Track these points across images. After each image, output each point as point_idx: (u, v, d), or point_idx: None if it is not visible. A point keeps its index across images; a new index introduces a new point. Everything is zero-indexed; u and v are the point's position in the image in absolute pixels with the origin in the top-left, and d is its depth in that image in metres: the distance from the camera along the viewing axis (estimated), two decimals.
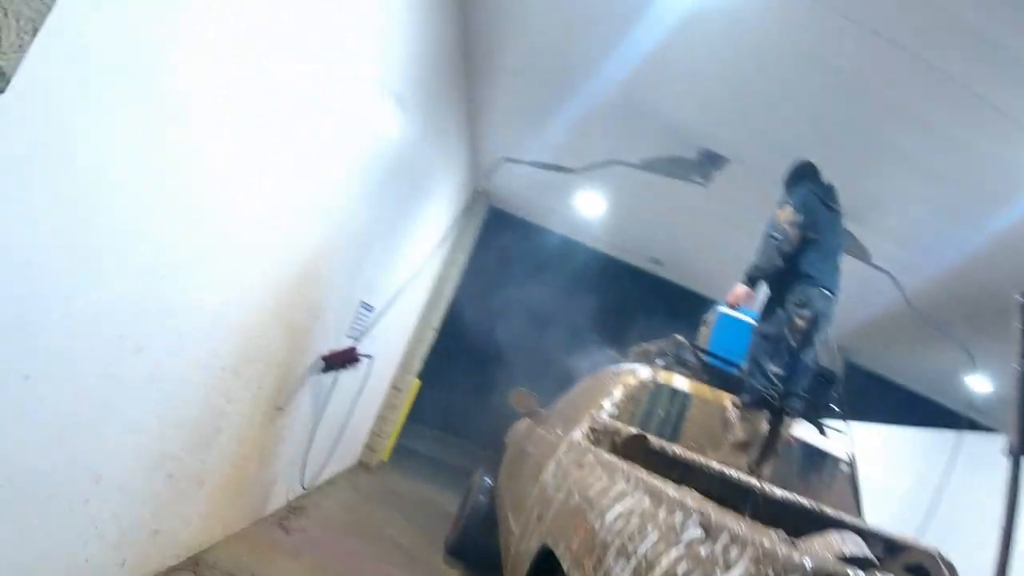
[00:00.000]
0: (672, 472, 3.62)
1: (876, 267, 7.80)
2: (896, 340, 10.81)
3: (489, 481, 7.39)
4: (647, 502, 2.42)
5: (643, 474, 2.74)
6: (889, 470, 10.22)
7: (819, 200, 5.05)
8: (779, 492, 3.76)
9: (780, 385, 4.67)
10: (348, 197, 5.01)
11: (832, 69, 5.49)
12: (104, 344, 2.70)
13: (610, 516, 2.54)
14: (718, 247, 10.12)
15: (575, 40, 6.23)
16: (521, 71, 7.08)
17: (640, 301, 15.45)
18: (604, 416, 4.44)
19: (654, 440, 3.63)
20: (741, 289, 4.83)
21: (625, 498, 2.61)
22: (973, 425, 7.62)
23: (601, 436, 4.11)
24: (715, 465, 3.77)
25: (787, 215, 4.82)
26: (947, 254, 7.60)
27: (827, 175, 5.30)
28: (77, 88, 2.19)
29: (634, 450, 3.52)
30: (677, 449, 3.71)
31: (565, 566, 2.74)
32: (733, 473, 3.76)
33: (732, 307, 4.93)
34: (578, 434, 4.29)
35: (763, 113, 6.41)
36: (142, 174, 2.62)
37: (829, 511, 3.84)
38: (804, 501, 3.80)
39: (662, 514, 2.25)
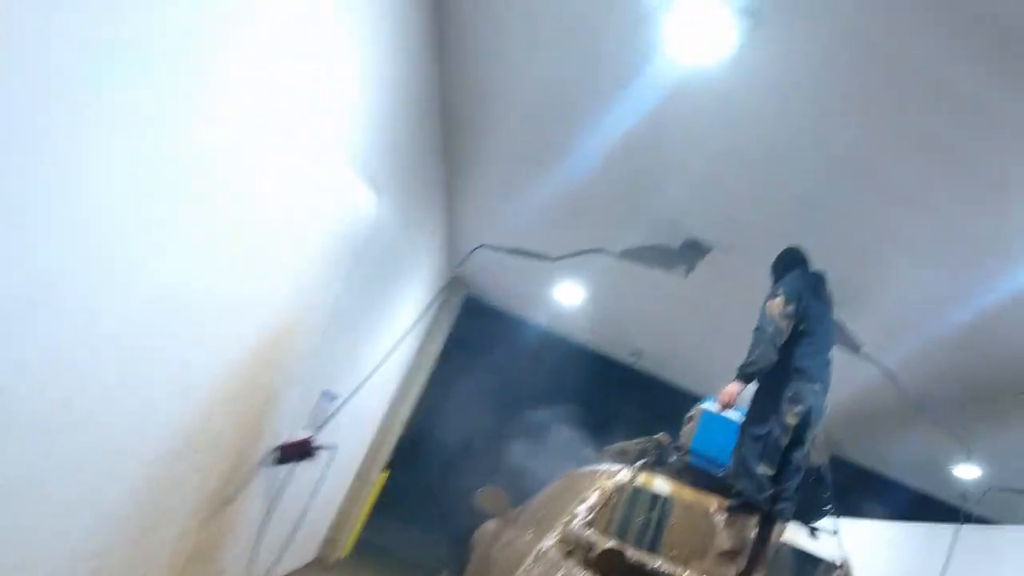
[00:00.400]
0: None
1: (867, 358, 7.55)
2: (885, 431, 10.58)
3: None
4: None
5: None
6: (885, 568, 9.83)
7: (810, 289, 4.83)
8: None
9: (769, 487, 4.36)
10: (312, 281, 4.71)
11: (821, 153, 5.37)
12: (29, 422, 2.40)
13: None
14: (700, 339, 9.97)
15: (557, 125, 6.09)
16: (502, 156, 6.94)
17: (619, 395, 15.18)
18: (577, 524, 4.09)
19: (632, 554, 3.27)
20: (735, 387, 4.52)
21: None
22: (968, 519, 7.35)
23: (574, 547, 3.75)
24: None
25: (778, 306, 4.58)
26: (938, 342, 7.43)
27: (816, 263, 5.14)
28: None
29: (610, 565, 3.15)
30: (657, 563, 3.35)
31: None
32: None
33: (725, 407, 4.58)
34: (548, 543, 3.98)
35: (747, 200, 6.28)
36: (78, 247, 2.34)
37: None
38: None
39: None
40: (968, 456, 8.82)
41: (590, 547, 3.35)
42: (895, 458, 12.33)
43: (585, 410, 14.16)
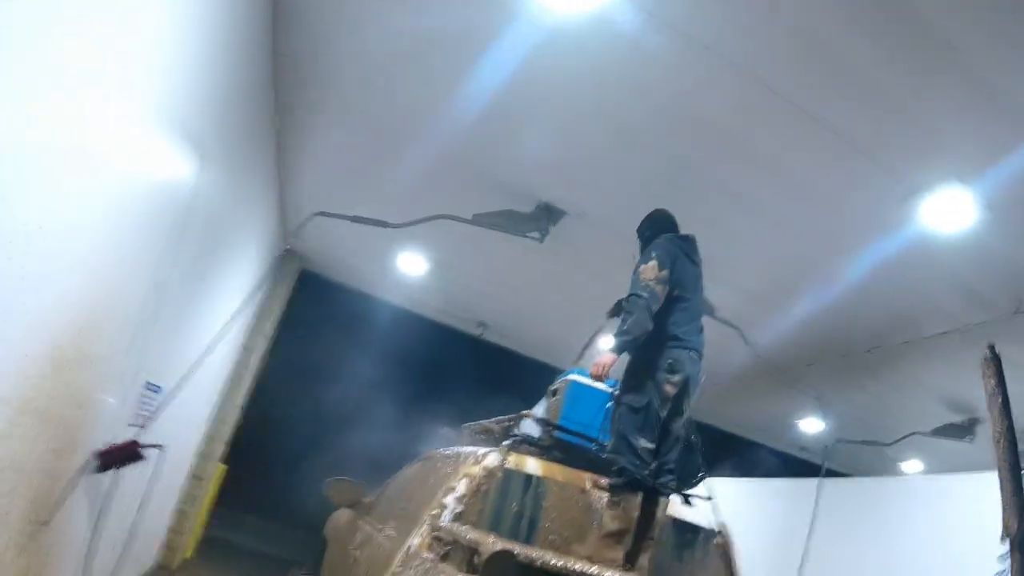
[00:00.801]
0: None
1: (724, 322, 7.49)
2: (739, 394, 10.75)
3: None
4: None
5: None
6: (757, 523, 10.03)
7: (683, 253, 4.58)
8: None
9: (651, 461, 4.12)
10: (124, 257, 4.01)
11: (677, 114, 5.21)
12: None
13: None
14: (551, 308, 9.84)
15: (403, 82, 5.62)
16: (342, 116, 6.39)
17: (470, 368, 14.87)
18: (447, 517, 3.67)
19: (521, 553, 2.86)
20: (608, 358, 4.19)
21: None
22: (827, 473, 7.55)
23: (449, 548, 3.32)
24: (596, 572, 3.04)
25: (652, 270, 4.29)
26: (789, 305, 7.61)
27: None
28: None
29: (498, 569, 2.73)
30: (550, 560, 2.96)
31: None
32: None
33: (598, 379, 4.28)
34: (417, 541, 3.56)
35: (603, 165, 6.07)
36: None
37: None
38: None
39: None
40: (823, 412, 9.05)
41: (473, 549, 2.92)
42: (749, 419, 12.70)
43: (436, 386, 13.81)
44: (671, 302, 4.33)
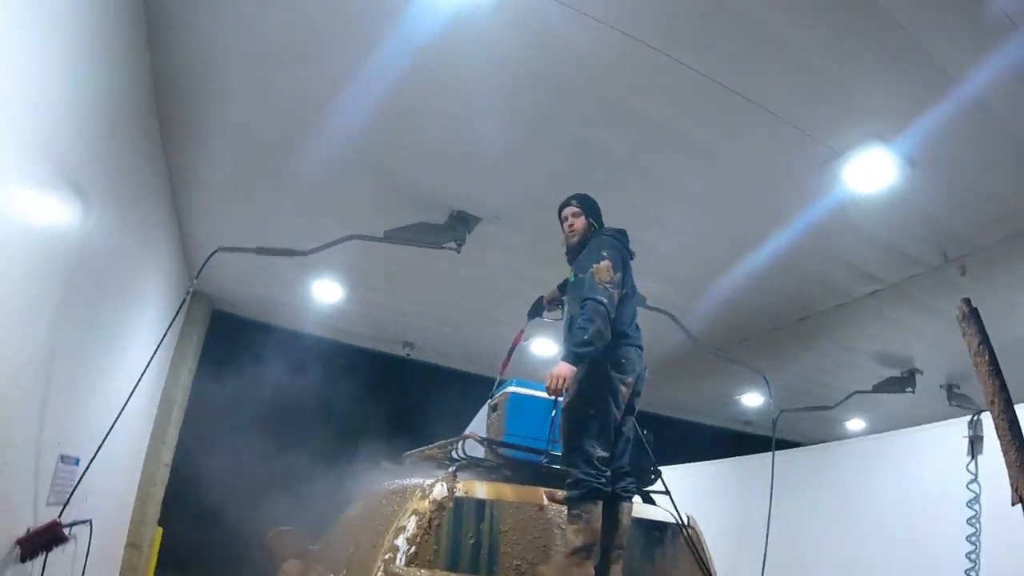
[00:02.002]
0: None
1: (654, 309, 7.37)
2: (677, 378, 10.70)
3: None
4: None
5: None
6: (716, 504, 10.02)
7: (626, 250, 4.39)
8: None
9: (606, 469, 3.91)
10: (8, 321, 3.62)
11: (585, 98, 4.99)
12: None
13: None
14: (474, 318, 9.63)
15: (293, 94, 5.27)
16: (231, 139, 5.99)
17: (402, 392, 14.55)
18: (402, 560, 3.42)
19: None
20: (565, 369, 3.86)
21: None
22: (780, 444, 7.56)
23: None
24: None
25: (608, 273, 4.06)
26: (716, 283, 7.60)
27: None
28: None
29: None
30: None
31: None
32: None
33: (556, 393, 3.90)
34: None
35: (514, 162, 5.86)
36: None
37: None
38: None
39: None
40: (763, 386, 9.06)
41: None
42: (690, 402, 12.81)
43: (369, 415, 13.46)
44: (621, 300, 4.13)
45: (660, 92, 4.82)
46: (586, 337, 3.85)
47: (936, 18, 3.93)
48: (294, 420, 15.46)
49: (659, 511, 4.52)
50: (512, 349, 5.19)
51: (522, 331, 5.20)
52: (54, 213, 3.90)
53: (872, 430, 11.89)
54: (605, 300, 3.93)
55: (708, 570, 4.35)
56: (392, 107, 5.24)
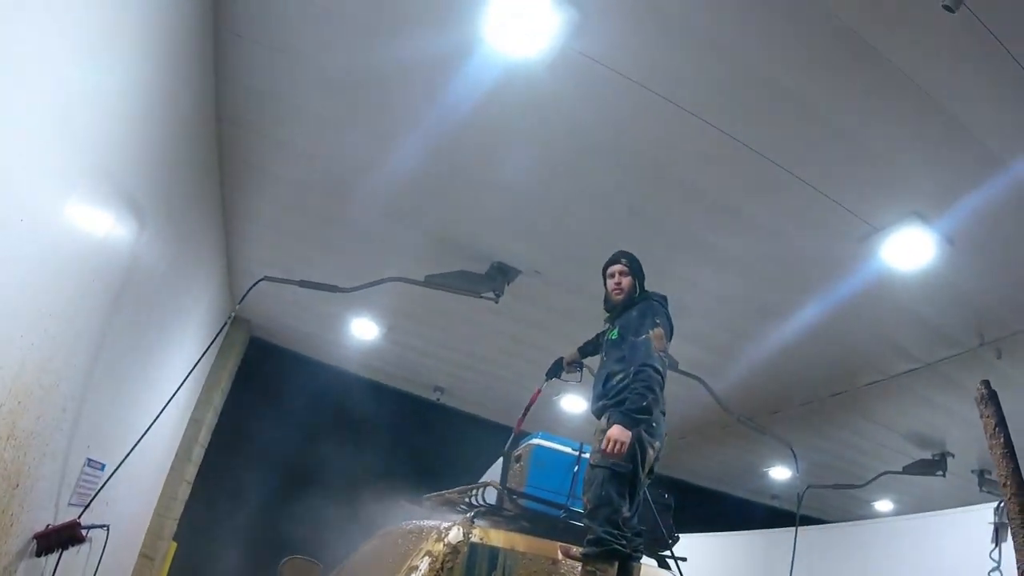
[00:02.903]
0: None
1: (686, 373, 7.35)
2: (703, 446, 10.66)
3: None
4: None
5: None
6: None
7: (669, 316, 4.38)
8: None
9: (626, 530, 3.86)
10: (57, 328, 3.73)
11: (631, 163, 5.12)
12: None
13: None
14: (509, 369, 9.62)
15: (350, 139, 5.45)
16: (287, 176, 6.17)
17: (428, 435, 14.51)
18: None
19: None
20: (624, 434, 3.81)
21: None
22: (804, 520, 7.44)
23: None
24: None
25: (661, 341, 4.08)
26: (750, 353, 7.55)
27: None
28: None
29: None
30: None
31: None
32: None
33: (616, 457, 3.82)
34: None
35: (557, 217, 5.96)
36: None
37: None
38: None
39: None
40: (792, 459, 8.93)
41: None
42: (716, 470, 12.62)
43: (393, 454, 13.43)
44: None
45: (706, 161, 4.90)
46: (644, 404, 3.86)
47: (982, 104, 3.99)
48: (318, 452, 15.46)
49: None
50: (528, 407, 5.17)
51: (539, 390, 5.20)
52: (110, 231, 4.07)
53: (900, 511, 11.64)
54: (662, 369, 3.97)
55: None
56: (442, 160, 5.41)
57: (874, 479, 9.37)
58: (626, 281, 4.52)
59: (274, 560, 6.57)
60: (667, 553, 4.62)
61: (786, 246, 5.68)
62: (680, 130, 4.60)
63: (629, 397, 3.92)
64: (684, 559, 4.50)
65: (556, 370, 5.07)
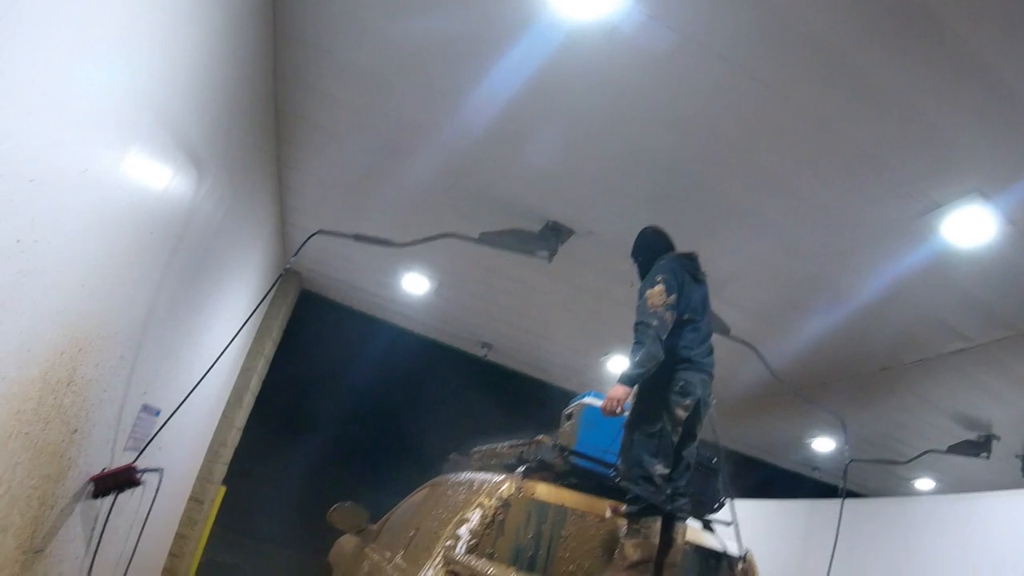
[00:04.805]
0: None
1: (739, 340, 7.31)
2: (750, 415, 10.59)
3: None
4: None
5: None
6: (777, 544, 9.91)
7: (688, 273, 4.44)
8: None
9: (667, 487, 3.98)
10: (117, 273, 3.83)
11: (689, 129, 5.04)
12: None
13: None
14: (558, 328, 9.61)
15: (404, 97, 5.46)
16: (344, 130, 6.17)
17: (475, 390, 14.57)
18: (462, 549, 3.49)
19: None
20: (621, 391, 3.98)
21: None
22: (846, 493, 7.43)
23: None
24: None
25: (659, 295, 4.13)
26: (803, 324, 7.46)
27: (681, 244, 4.83)
28: None
29: None
30: None
31: None
32: None
33: (612, 414, 4.02)
34: (431, 574, 3.40)
35: (612, 179, 5.89)
36: None
37: None
38: None
39: None
40: (838, 432, 8.88)
41: None
42: (761, 440, 12.56)
43: (438, 408, 13.54)
44: (681, 325, 4.20)
45: (763, 130, 4.83)
46: (636, 359, 3.97)
47: None
48: (365, 403, 15.67)
49: (716, 540, 4.50)
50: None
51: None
52: (171, 181, 4.15)
53: (940, 490, 11.55)
54: (655, 323, 4.01)
55: None
56: (499, 120, 5.37)
57: (918, 456, 9.28)
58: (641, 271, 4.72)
59: (319, 506, 6.73)
60: (715, 517, 4.69)
61: (842, 219, 5.58)
62: (739, 96, 4.54)
63: (629, 357, 4.04)
64: (729, 523, 4.54)
65: None
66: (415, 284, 9.13)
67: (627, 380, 3.97)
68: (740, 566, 4.39)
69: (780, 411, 10.25)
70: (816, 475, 13.08)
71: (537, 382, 12.06)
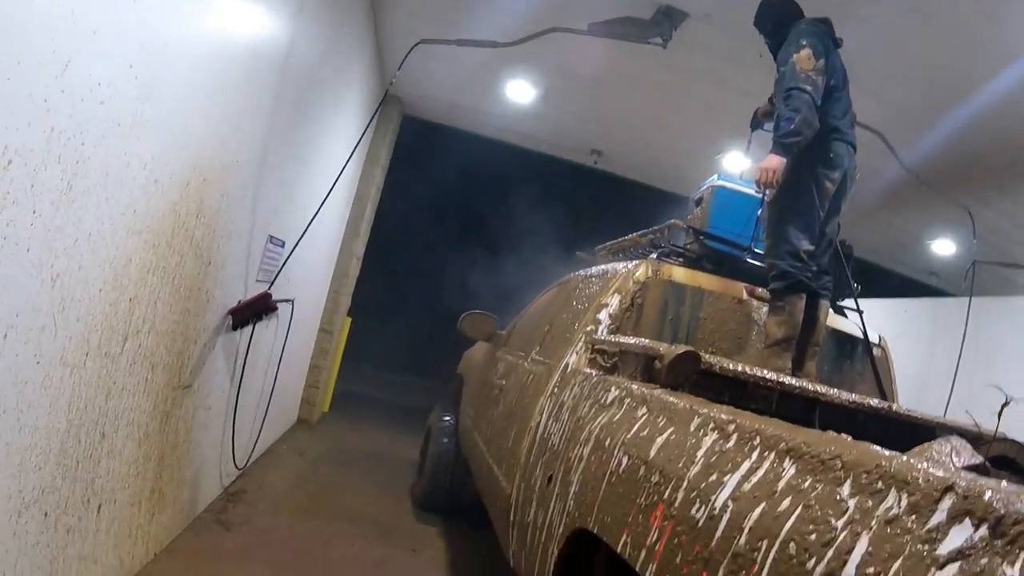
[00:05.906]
0: (721, 398, 2.68)
1: (864, 126, 6.93)
2: (872, 214, 10.11)
3: (450, 419, 6.61)
4: (789, 468, 1.46)
5: (728, 414, 1.80)
6: (903, 342, 9.87)
7: (829, 37, 4.10)
8: (848, 397, 2.87)
9: (811, 264, 3.86)
10: (235, 110, 3.84)
11: None
12: None
13: (722, 496, 1.57)
14: (670, 128, 9.18)
15: None
16: None
17: (584, 201, 14.47)
18: (603, 333, 3.48)
19: (707, 359, 2.62)
20: (775, 161, 3.75)
21: (732, 459, 1.64)
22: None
23: (615, 360, 3.13)
24: (788, 380, 2.81)
25: (809, 61, 3.83)
26: (934, 112, 6.90)
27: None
28: None
29: (681, 375, 2.50)
30: (737, 366, 2.72)
31: (643, 570, 1.76)
32: (803, 384, 2.84)
33: (766, 185, 3.82)
34: (574, 359, 3.38)
35: None
36: None
37: (913, 414, 2.99)
38: (877, 403, 2.96)
39: (821, 486, 1.33)
40: (962, 232, 8.49)
41: (650, 356, 2.69)
42: (879, 243, 11.98)
43: (549, 221, 13.54)
44: (827, 92, 3.91)
45: None
46: (792, 127, 3.72)
47: None
48: (476, 223, 15.77)
49: (853, 326, 4.42)
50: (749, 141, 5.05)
51: (749, 140, 5.05)
52: (274, 14, 4.10)
53: None
54: (809, 87, 3.75)
55: (893, 392, 4.32)
56: None
57: None
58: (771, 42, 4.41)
59: (441, 326, 6.86)
60: (844, 304, 4.58)
61: (988, 7, 5.08)
62: None
63: (780, 125, 3.80)
64: (861, 311, 4.43)
65: (755, 122, 4.92)
66: (520, 92, 8.82)
67: (782, 150, 3.76)
68: (875, 351, 4.31)
69: (899, 207, 9.73)
70: (933, 281, 12.64)
71: (649, 188, 11.77)
